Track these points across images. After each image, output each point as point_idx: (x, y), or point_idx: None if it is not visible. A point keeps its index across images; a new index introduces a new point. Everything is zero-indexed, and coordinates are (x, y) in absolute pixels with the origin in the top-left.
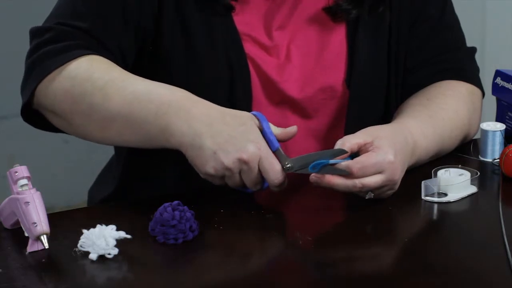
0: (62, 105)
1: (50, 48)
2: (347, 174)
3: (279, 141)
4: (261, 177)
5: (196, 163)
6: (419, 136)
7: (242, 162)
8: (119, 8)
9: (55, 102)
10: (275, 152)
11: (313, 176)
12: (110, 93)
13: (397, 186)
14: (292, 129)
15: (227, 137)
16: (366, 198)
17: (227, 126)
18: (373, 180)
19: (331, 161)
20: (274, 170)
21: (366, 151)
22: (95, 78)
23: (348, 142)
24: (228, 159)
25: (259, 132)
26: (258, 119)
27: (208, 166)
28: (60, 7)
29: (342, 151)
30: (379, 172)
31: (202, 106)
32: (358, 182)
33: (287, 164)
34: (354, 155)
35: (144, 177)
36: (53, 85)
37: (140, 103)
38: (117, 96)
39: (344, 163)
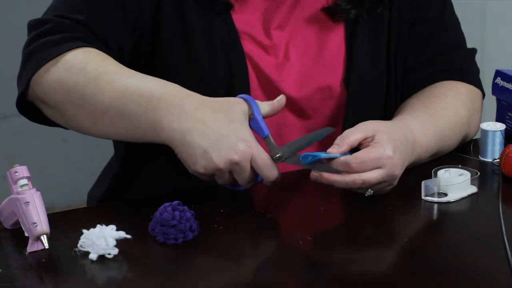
0: (56, 95)
1: (47, 39)
2: (340, 172)
3: (271, 116)
4: (254, 174)
5: (185, 160)
6: (419, 134)
7: (233, 162)
8: (117, 2)
9: (48, 92)
10: (264, 139)
11: (313, 173)
12: (102, 84)
13: (396, 182)
14: (280, 101)
15: (218, 136)
16: (366, 195)
17: (218, 124)
18: (372, 176)
19: (326, 155)
20: (268, 166)
21: (366, 145)
22: (88, 70)
23: (348, 138)
24: (219, 159)
25: (249, 128)
26: (248, 103)
27: (198, 165)
28: (59, 0)
29: (328, 130)
30: (378, 167)
31: (193, 101)
32: (358, 178)
33: (277, 154)
34: (353, 149)
35: (141, 171)
36: (47, 76)
37: (130, 96)
38: (109, 88)
39: (343, 158)
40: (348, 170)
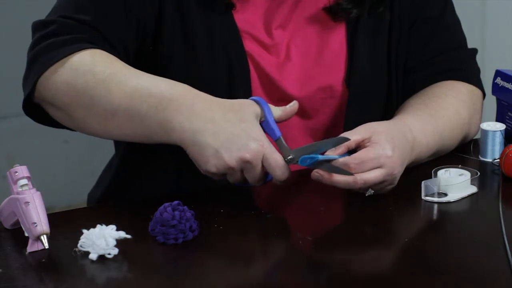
0: (63, 97)
1: (52, 40)
2: (346, 173)
3: (282, 121)
4: (264, 173)
5: (197, 160)
6: (418, 133)
7: (245, 161)
8: (120, 5)
9: (56, 94)
10: (276, 141)
11: (315, 173)
12: (112, 86)
13: (396, 181)
14: (293, 106)
15: (229, 135)
16: (367, 195)
17: (229, 123)
18: (373, 175)
19: (324, 157)
20: (280, 166)
21: (364, 147)
22: (97, 71)
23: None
24: (231, 158)
25: (261, 128)
26: (260, 105)
27: (210, 165)
28: (63, 0)
29: (344, 139)
30: (378, 167)
31: (204, 101)
32: (359, 178)
33: (289, 156)
34: (352, 151)
35: (142, 172)
36: (55, 77)
37: (141, 97)
38: (118, 90)
39: (342, 159)
40: (348, 171)
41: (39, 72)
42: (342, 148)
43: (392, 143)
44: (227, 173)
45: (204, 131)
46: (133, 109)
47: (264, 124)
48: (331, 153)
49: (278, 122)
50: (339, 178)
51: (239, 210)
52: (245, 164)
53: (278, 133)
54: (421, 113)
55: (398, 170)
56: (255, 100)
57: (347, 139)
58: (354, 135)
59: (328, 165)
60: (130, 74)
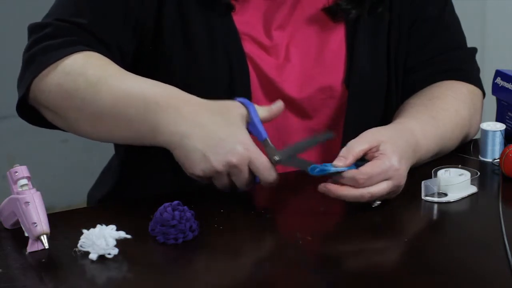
0: (56, 100)
1: (47, 43)
2: (352, 183)
3: (268, 121)
4: (252, 177)
5: (184, 163)
6: (420, 137)
7: (232, 165)
8: (119, 5)
9: (49, 96)
10: (263, 142)
11: (322, 187)
12: (102, 89)
13: (401, 189)
14: (277, 105)
15: (216, 139)
16: (373, 206)
17: (216, 127)
18: (380, 188)
19: (333, 169)
20: (267, 169)
21: (372, 156)
22: (89, 74)
23: (353, 150)
24: (218, 162)
25: (247, 132)
26: (246, 107)
27: (196, 168)
28: (59, 3)
29: (328, 135)
30: (385, 179)
31: (191, 105)
32: (366, 192)
33: (275, 157)
34: (359, 160)
35: (142, 172)
36: (47, 80)
37: (129, 100)
38: (108, 93)
39: (351, 174)
40: (356, 185)
41: (33, 75)
42: (350, 159)
43: (398, 154)
44: (213, 176)
45: (192, 135)
46: (122, 112)
47: (250, 125)
48: (339, 164)
49: (264, 122)
50: (345, 192)
51: (239, 210)
52: (232, 168)
53: (264, 134)
54: (422, 115)
55: (404, 180)
56: (241, 102)
57: (331, 135)
58: (362, 144)
59: (336, 176)
60: (121, 78)
